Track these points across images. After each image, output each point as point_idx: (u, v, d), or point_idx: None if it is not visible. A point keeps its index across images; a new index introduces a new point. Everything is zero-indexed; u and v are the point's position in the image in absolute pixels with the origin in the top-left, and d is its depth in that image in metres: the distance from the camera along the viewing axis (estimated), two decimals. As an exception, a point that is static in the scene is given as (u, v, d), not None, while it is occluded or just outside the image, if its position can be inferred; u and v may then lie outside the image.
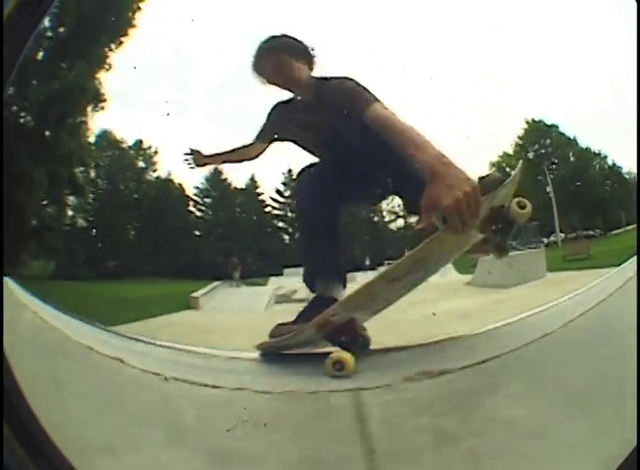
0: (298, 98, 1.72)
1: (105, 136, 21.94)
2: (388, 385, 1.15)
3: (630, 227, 13.92)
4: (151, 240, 22.57)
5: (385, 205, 23.17)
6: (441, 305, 6.91)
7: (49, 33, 15.79)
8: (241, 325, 7.26)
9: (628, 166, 17.02)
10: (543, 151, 19.29)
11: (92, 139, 19.95)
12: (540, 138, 19.68)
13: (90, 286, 16.21)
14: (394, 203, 22.96)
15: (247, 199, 24.45)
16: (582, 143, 18.85)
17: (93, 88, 17.63)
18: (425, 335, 5.20)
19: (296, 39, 1.70)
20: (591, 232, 16.04)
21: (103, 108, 18.17)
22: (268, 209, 24.72)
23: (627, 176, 17.13)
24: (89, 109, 18.03)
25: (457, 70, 19.09)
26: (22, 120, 15.77)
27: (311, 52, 1.71)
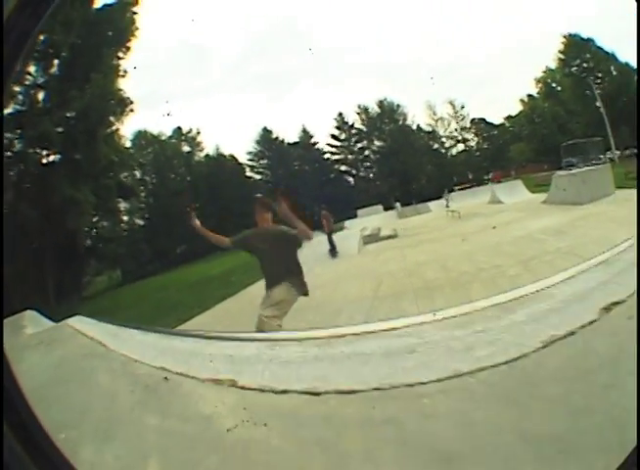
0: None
1: (141, 136, 22.42)
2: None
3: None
4: (214, 215, 21.24)
5: (442, 130, 22.71)
6: (532, 224, 7.18)
7: (52, 62, 15.83)
8: (344, 273, 7.45)
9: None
10: (585, 65, 18.28)
11: (128, 143, 20.10)
12: (580, 52, 18.78)
13: (165, 278, 16.21)
14: (451, 127, 22.62)
15: (303, 151, 23.93)
16: (621, 58, 17.87)
17: (115, 96, 17.93)
18: (530, 252, 5.61)
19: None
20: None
21: (132, 110, 18.54)
22: (327, 156, 24.17)
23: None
24: (118, 116, 18.44)
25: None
26: (47, 156, 15.78)
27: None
